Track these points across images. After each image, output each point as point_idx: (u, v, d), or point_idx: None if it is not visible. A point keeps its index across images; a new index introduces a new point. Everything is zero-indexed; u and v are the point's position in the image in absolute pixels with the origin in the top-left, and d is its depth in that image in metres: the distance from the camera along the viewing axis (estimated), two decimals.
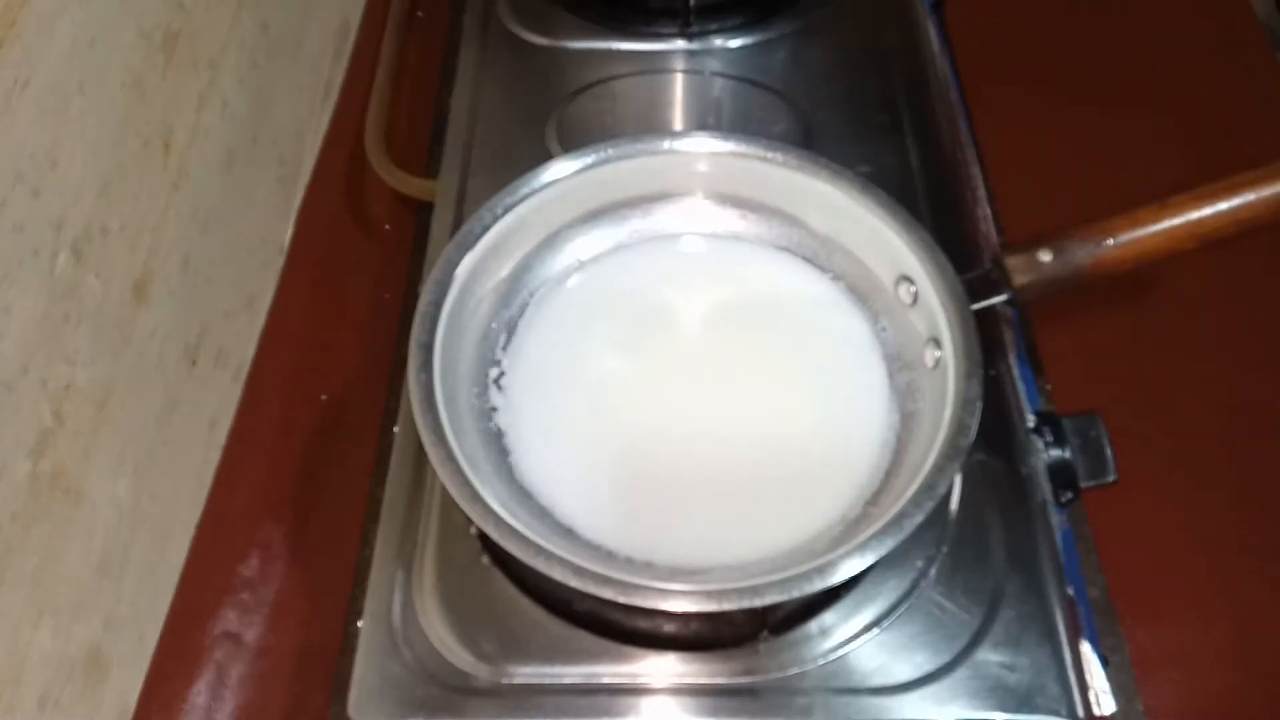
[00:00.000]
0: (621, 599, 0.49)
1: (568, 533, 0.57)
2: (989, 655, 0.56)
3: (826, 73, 0.82)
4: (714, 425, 0.61)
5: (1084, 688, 0.56)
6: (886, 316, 0.63)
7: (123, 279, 0.61)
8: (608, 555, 0.56)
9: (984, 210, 0.75)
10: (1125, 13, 0.96)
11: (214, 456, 0.71)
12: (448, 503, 0.60)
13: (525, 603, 0.58)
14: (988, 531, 0.60)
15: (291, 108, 0.83)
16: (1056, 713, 0.54)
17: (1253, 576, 0.68)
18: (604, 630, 0.57)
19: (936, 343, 0.58)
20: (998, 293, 0.60)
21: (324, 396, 0.75)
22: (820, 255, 0.66)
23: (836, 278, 0.66)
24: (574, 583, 0.49)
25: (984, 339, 0.56)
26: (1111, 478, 0.60)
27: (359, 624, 0.58)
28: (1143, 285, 0.79)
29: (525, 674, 0.56)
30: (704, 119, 0.80)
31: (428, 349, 0.57)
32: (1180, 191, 0.59)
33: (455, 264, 0.60)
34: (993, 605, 0.57)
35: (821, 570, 0.49)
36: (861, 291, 0.65)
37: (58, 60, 0.54)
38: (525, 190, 0.63)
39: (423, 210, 0.78)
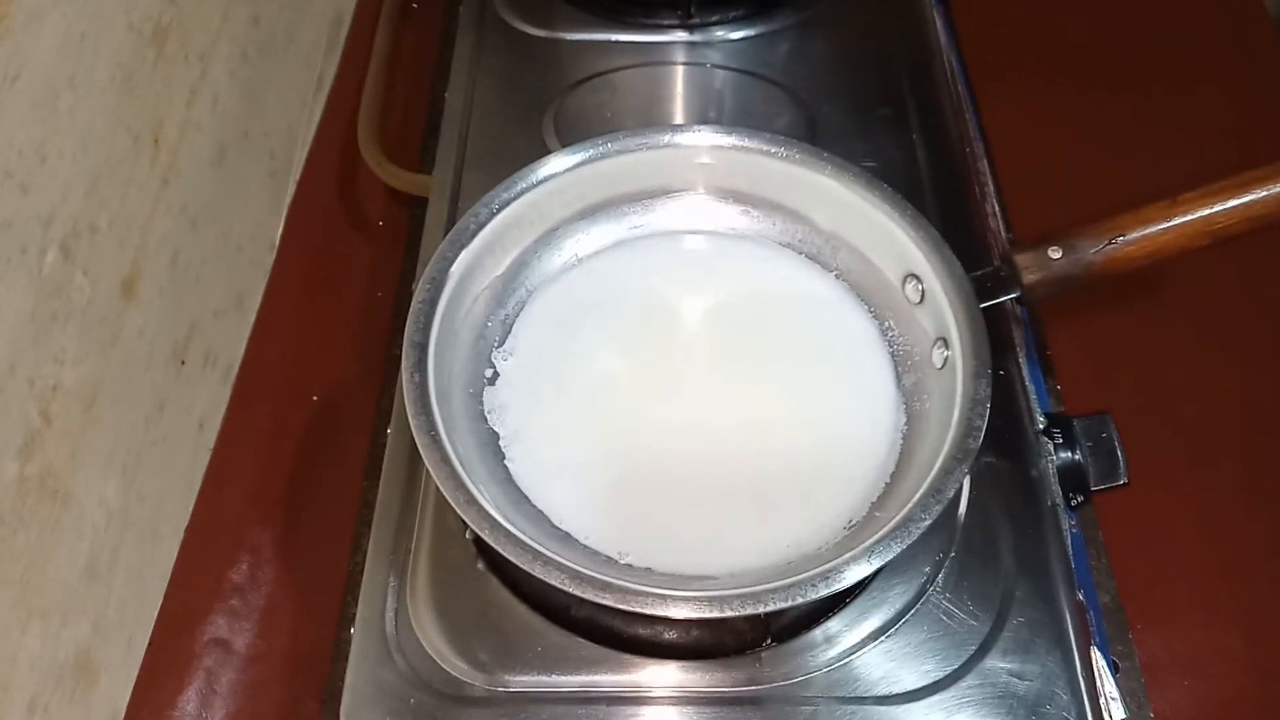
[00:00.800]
0: (621, 605, 0.48)
1: (565, 537, 0.56)
2: (998, 663, 0.55)
3: (831, 65, 0.82)
4: (715, 427, 0.61)
5: (1094, 695, 0.55)
6: (893, 315, 0.63)
7: (111, 277, 0.61)
8: (606, 560, 0.55)
9: (992, 206, 0.75)
10: (1135, 8, 0.96)
11: (203, 457, 0.72)
12: (442, 506, 0.60)
13: (521, 609, 0.58)
14: (996, 536, 0.59)
15: (283, 101, 0.83)
16: (1059, 718, 0.54)
17: (1265, 581, 0.68)
18: (603, 638, 0.56)
19: (944, 342, 0.58)
20: (1007, 291, 0.59)
21: (315, 396, 0.75)
22: (825, 252, 0.65)
23: (841, 275, 0.65)
24: (572, 589, 0.48)
25: (993, 338, 0.56)
26: (1123, 480, 0.60)
27: (351, 630, 0.58)
28: (1153, 283, 0.79)
29: (521, 682, 0.55)
30: (705, 112, 0.80)
31: (421, 348, 0.56)
32: (1191, 188, 0.59)
33: (450, 261, 0.60)
34: (1002, 611, 0.57)
35: (826, 576, 0.48)
36: (867, 289, 0.64)
37: (47, 54, 0.54)
38: (522, 185, 0.62)
39: (416, 206, 0.78)
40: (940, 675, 0.55)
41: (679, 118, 0.80)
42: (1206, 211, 0.58)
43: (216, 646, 0.65)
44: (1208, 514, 0.70)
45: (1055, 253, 0.59)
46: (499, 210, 0.62)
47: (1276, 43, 0.94)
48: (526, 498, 0.58)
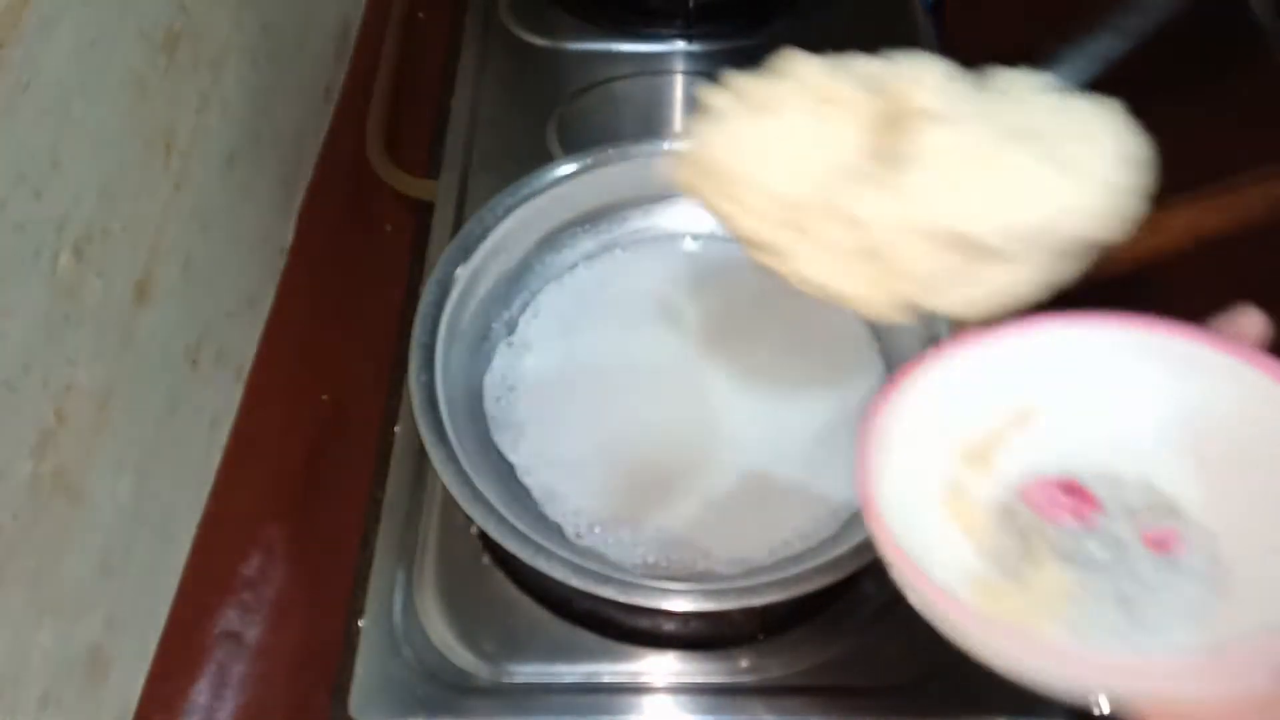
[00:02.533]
0: (621, 598, 0.49)
1: (567, 532, 0.57)
2: None
3: None
4: (713, 425, 0.61)
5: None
6: None
7: (124, 279, 0.60)
8: (607, 554, 0.56)
9: None
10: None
11: (215, 456, 0.71)
12: (448, 502, 0.60)
13: (526, 602, 0.59)
14: None
15: (292, 108, 0.83)
16: (1056, 713, 0.54)
17: None
18: (604, 629, 0.57)
19: (935, 342, 0.58)
20: None
21: (325, 397, 0.75)
22: None
23: None
24: (574, 582, 0.49)
25: None
26: None
27: (360, 623, 0.59)
28: (1142, 285, 0.79)
29: (526, 673, 0.56)
30: None
31: (428, 349, 0.57)
32: (1178, 193, 0.59)
33: (456, 264, 0.60)
34: None
35: (821, 569, 0.49)
36: None
37: (59, 61, 0.54)
38: (526, 191, 0.63)
39: (424, 211, 0.78)
40: (931, 666, 0.55)
41: (678, 125, 0.81)
42: (1196, 215, 0.59)
43: (228, 640, 0.65)
44: None
45: None
46: (504, 215, 0.62)
47: (1264, 47, 0.94)
48: (530, 493, 0.59)
